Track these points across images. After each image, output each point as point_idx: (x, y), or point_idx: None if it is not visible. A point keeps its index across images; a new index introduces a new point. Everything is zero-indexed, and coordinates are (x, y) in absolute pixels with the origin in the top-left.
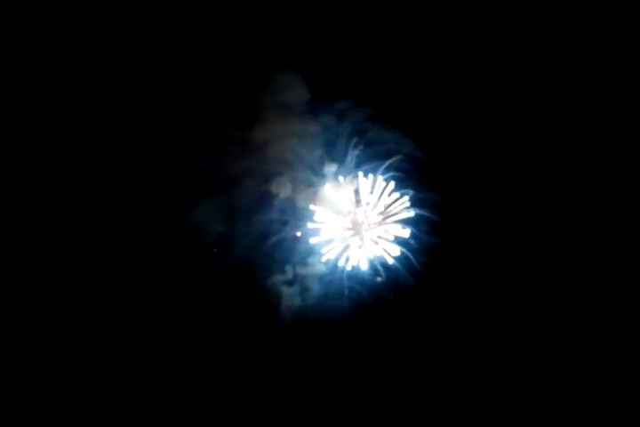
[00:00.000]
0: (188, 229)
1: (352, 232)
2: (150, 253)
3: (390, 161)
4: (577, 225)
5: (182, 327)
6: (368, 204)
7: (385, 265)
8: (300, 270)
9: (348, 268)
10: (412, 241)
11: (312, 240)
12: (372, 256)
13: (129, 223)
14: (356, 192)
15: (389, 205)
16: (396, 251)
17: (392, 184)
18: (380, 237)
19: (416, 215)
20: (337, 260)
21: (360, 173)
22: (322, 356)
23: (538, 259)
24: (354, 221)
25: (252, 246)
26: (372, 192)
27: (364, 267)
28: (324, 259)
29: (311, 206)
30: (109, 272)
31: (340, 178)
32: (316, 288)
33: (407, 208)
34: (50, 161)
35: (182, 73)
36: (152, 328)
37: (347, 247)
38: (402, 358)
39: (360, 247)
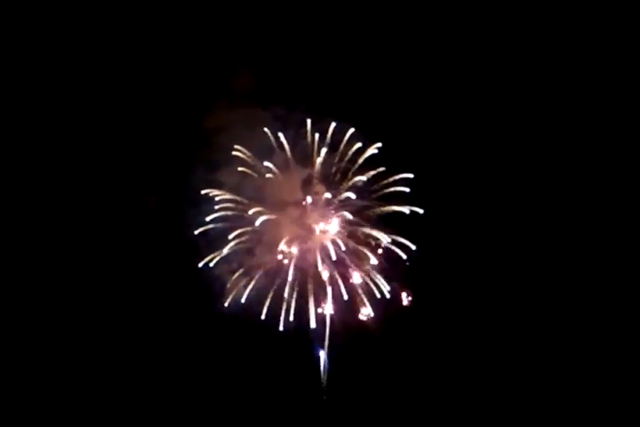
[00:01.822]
0: (138, 217)
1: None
2: (99, 243)
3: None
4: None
5: (127, 315)
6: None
7: None
8: (247, 261)
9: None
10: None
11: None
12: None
13: (81, 212)
14: (307, 181)
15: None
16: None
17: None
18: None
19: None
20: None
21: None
22: (261, 345)
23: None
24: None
25: (199, 236)
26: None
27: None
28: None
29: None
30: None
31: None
32: (261, 279)
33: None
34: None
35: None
36: (103, 313)
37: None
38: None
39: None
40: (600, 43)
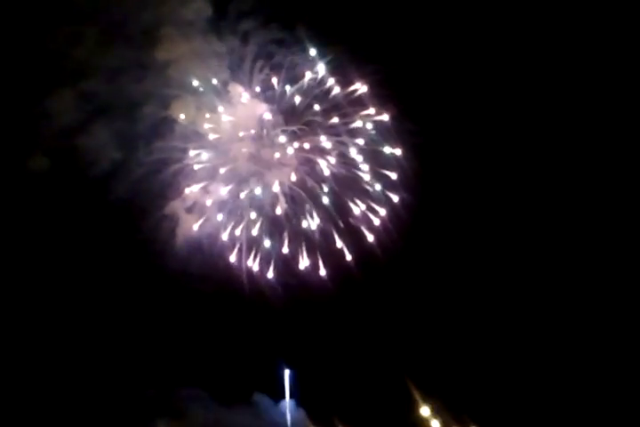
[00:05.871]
0: (80, 156)
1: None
2: (38, 182)
3: (297, 86)
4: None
5: (74, 259)
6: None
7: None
8: (200, 198)
9: None
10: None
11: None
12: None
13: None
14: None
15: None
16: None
17: None
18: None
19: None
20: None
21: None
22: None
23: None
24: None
25: (150, 173)
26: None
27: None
28: None
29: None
30: None
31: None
32: (214, 216)
33: None
34: None
35: None
36: (43, 265)
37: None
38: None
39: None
40: None
